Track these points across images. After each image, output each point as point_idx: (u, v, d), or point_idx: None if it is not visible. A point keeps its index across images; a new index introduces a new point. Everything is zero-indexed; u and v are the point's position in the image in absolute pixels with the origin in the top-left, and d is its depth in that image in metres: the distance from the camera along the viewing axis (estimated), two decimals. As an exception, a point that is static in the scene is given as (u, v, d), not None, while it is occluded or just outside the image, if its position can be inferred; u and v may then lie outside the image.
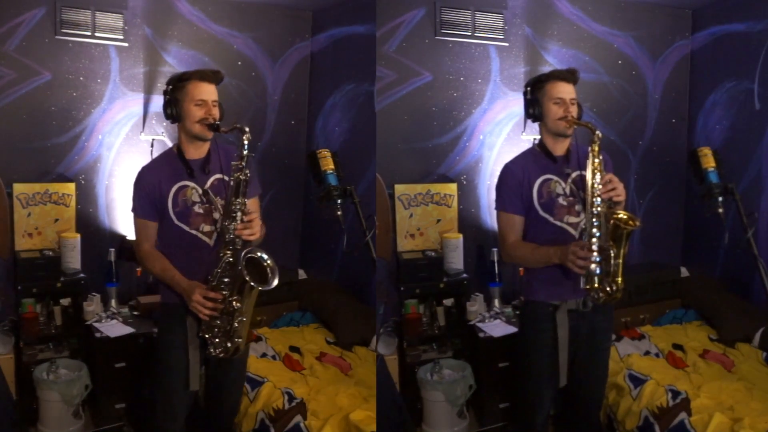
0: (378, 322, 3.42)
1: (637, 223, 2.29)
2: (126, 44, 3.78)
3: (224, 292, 2.26)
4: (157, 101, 3.84)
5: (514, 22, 3.89)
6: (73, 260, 3.50)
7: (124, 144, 3.82)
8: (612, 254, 2.30)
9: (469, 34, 3.80)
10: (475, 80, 3.85)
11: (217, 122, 2.36)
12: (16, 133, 3.53)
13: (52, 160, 3.64)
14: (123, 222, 3.78)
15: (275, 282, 2.25)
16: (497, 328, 3.38)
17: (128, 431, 3.22)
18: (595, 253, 2.26)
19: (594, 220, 2.30)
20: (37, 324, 3.32)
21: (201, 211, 2.38)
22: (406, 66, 3.70)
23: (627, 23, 4.14)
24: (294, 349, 3.52)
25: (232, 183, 2.29)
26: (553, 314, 2.44)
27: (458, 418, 3.24)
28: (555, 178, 2.46)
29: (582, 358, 2.49)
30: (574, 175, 2.47)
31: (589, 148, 2.36)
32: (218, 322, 2.28)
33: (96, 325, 3.31)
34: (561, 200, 2.44)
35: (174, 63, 3.88)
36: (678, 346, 3.48)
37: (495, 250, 3.65)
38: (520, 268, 3.18)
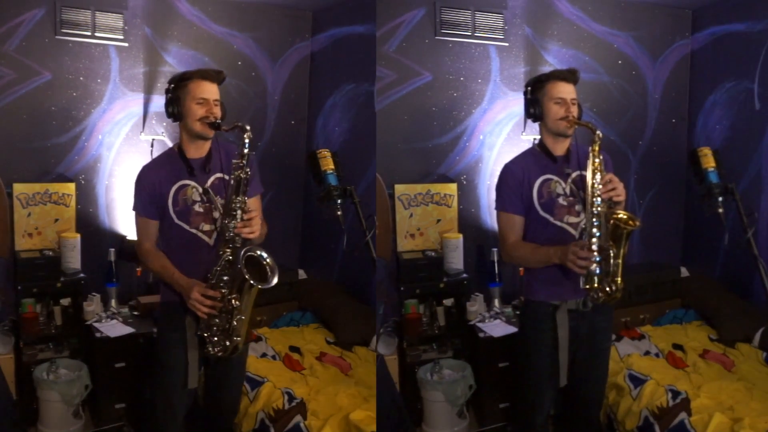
0: (378, 322, 3.42)
1: (637, 223, 2.30)
2: (126, 44, 3.78)
3: (223, 291, 2.26)
4: (157, 101, 3.84)
5: (514, 22, 3.89)
6: (73, 260, 3.50)
7: (124, 144, 3.82)
8: (612, 254, 2.30)
9: (469, 34, 3.80)
10: (475, 80, 3.85)
11: (219, 121, 2.36)
12: (16, 133, 3.54)
13: (52, 160, 3.64)
14: (123, 222, 3.78)
15: (275, 280, 2.25)
16: (497, 328, 3.39)
17: (128, 431, 3.22)
18: (595, 253, 2.27)
19: (594, 220, 2.30)
20: (37, 324, 3.32)
21: (201, 210, 2.38)
22: (406, 66, 3.70)
23: (627, 23, 4.14)
24: (294, 349, 3.52)
25: (232, 181, 2.29)
26: (553, 314, 2.44)
27: (458, 418, 3.24)
28: (555, 178, 2.46)
29: (582, 358, 2.49)
30: (574, 175, 2.47)
31: (590, 148, 2.36)
32: (217, 320, 2.28)
33: (96, 325, 3.31)
34: (561, 200, 2.44)
35: (174, 63, 3.88)
36: (678, 346, 3.48)
37: (495, 250, 3.65)
38: (520, 268, 3.18)
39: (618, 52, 4.15)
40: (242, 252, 2.21)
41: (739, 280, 3.84)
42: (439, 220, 3.75)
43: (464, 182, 3.86)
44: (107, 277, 3.55)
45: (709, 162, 2.98)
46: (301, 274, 4.09)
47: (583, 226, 2.39)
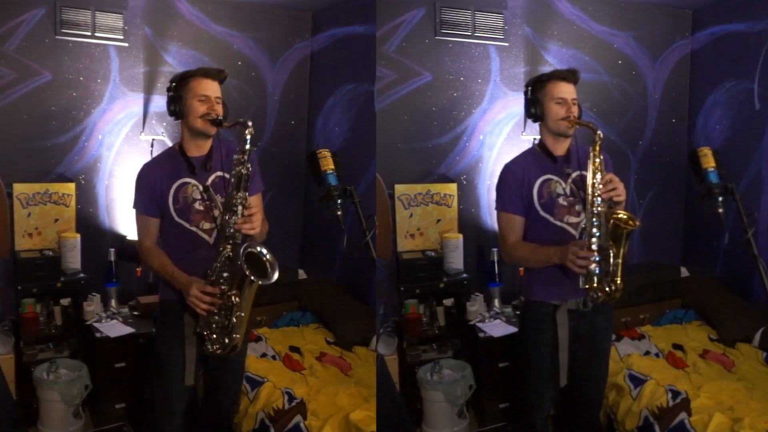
0: (378, 322, 3.42)
1: (637, 223, 2.30)
2: (126, 44, 3.78)
3: (223, 287, 2.25)
4: (157, 101, 3.84)
5: (514, 22, 3.89)
6: (73, 260, 3.50)
7: (124, 144, 3.82)
8: (612, 254, 2.30)
9: (469, 34, 3.80)
10: (475, 80, 3.85)
11: (220, 117, 2.36)
12: (16, 133, 3.54)
13: (52, 160, 3.64)
14: (123, 222, 3.78)
15: (275, 276, 2.24)
16: (497, 328, 3.39)
17: (128, 431, 3.22)
18: (594, 253, 2.27)
19: (594, 219, 2.30)
20: (37, 324, 3.32)
21: (201, 208, 2.38)
22: (406, 66, 3.70)
23: (627, 23, 4.14)
24: (294, 349, 3.52)
25: (233, 177, 2.29)
26: (553, 314, 2.44)
27: (458, 418, 3.24)
28: (555, 178, 2.46)
29: (582, 358, 2.49)
30: (574, 175, 2.47)
31: (590, 148, 2.36)
32: (216, 318, 2.27)
33: (96, 325, 3.31)
34: (561, 200, 2.44)
35: (174, 63, 3.88)
36: (678, 346, 3.48)
37: (495, 250, 3.65)
38: (520, 268, 3.18)
39: (618, 52, 4.15)
40: (242, 248, 2.21)
41: (739, 280, 3.84)
42: (439, 220, 3.75)
43: (464, 182, 3.86)
44: (107, 277, 3.55)
45: (709, 162, 2.97)
46: (301, 274, 4.09)
47: (584, 226, 2.39)
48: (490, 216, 3.88)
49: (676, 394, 2.92)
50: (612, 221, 2.31)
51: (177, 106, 2.40)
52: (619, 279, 2.33)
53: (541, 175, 2.46)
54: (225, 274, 2.26)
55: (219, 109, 2.38)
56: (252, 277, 2.20)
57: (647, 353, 3.42)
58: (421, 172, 3.78)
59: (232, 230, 2.27)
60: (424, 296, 3.51)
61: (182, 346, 2.37)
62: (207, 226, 2.38)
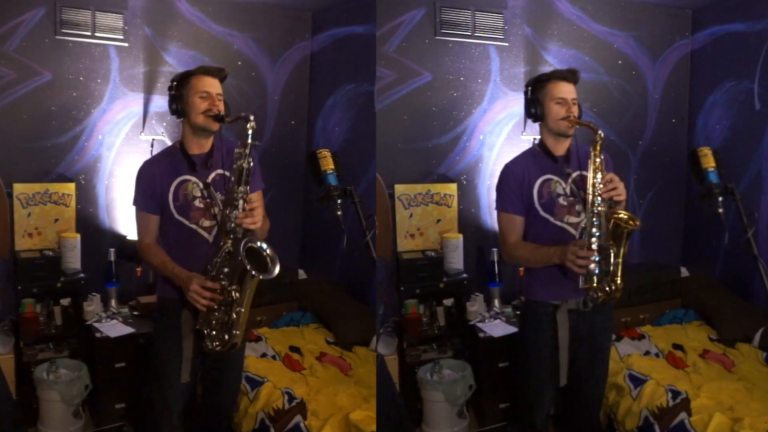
0: (378, 322, 3.42)
1: (638, 223, 2.30)
2: (126, 44, 3.78)
3: (223, 282, 2.25)
4: (157, 101, 3.84)
5: (514, 22, 3.89)
6: (73, 260, 3.50)
7: (124, 144, 3.82)
8: (612, 254, 2.30)
9: (469, 34, 3.80)
10: (475, 80, 3.85)
11: (222, 113, 2.36)
12: (16, 133, 3.54)
13: (52, 160, 3.64)
14: (123, 222, 3.78)
15: (276, 270, 2.23)
16: (497, 328, 3.39)
17: (128, 431, 3.22)
18: (594, 253, 2.27)
19: (594, 219, 2.30)
20: (37, 324, 3.32)
21: (201, 205, 2.38)
22: (406, 66, 3.70)
23: (627, 23, 4.14)
24: (294, 349, 3.52)
25: (234, 170, 2.28)
26: (553, 314, 2.44)
27: (458, 418, 3.24)
28: (555, 178, 2.46)
29: (582, 357, 2.49)
30: (574, 175, 2.47)
31: (591, 148, 2.36)
32: (216, 313, 2.27)
33: (96, 325, 3.31)
34: (561, 200, 2.44)
35: (174, 63, 3.88)
36: (678, 346, 3.48)
37: (495, 250, 3.65)
38: (520, 268, 3.18)
39: (618, 52, 4.15)
40: (243, 243, 2.20)
41: (739, 280, 3.84)
42: (439, 220, 3.75)
43: (464, 182, 3.86)
44: (107, 277, 3.55)
45: (709, 162, 2.97)
46: (301, 274, 4.09)
47: (584, 226, 2.39)
48: (490, 216, 3.88)
49: (676, 394, 2.92)
50: (612, 221, 2.31)
51: (179, 105, 2.40)
52: (619, 279, 2.32)
53: (542, 175, 2.46)
54: (225, 270, 2.25)
55: (221, 106, 2.38)
56: (253, 272, 2.19)
57: (647, 353, 3.42)
58: (421, 172, 3.78)
59: (233, 225, 2.26)
60: (424, 296, 3.51)
61: (180, 345, 2.37)
62: (207, 223, 2.38)
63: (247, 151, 2.27)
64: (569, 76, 2.49)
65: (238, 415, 3.04)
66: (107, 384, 3.20)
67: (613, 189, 2.32)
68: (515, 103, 3.86)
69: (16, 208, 3.46)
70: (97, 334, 3.23)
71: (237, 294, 2.24)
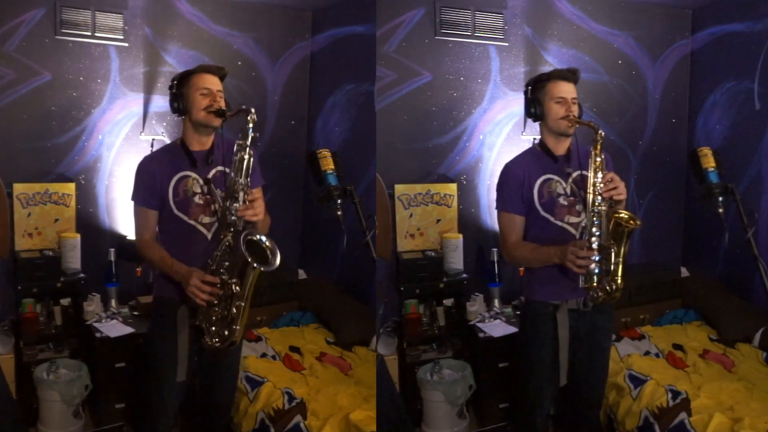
0: (378, 322, 3.42)
1: (638, 222, 2.30)
2: (126, 44, 3.78)
3: (223, 277, 2.24)
4: (157, 101, 3.84)
5: (514, 22, 3.89)
6: (73, 260, 3.50)
7: (124, 144, 3.82)
8: (612, 253, 2.30)
9: (469, 34, 3.80)
10: (475, 80, 3.85)
11: (223, 108, 2.37)
12: (16, 133, 3.53)
13: (52, 160, 3.64)
14: (123, 222, 3.78)
15: (277, 261, 2.22)
16: (497, 328, 3.39)
17: (128, 431, 3.22)
18: (594, 253, 2.27)
19: (594, 218, 2.30)
20: (37, 324, 3.32)
21: (201, 202, 2.38)
22: (406, 66, 3.70)
23: (627, 23, 4.14)
24: (294, 349, 3.52)
25: (234, 162, 2.27)
26: (553, 314, 2.44)
27: (458, 418, 3.24)
28: (556, 177, 2.46)
29: (582, 357, 2.49)
30: (574, 174, 2.47)
31: (591, 147, 2.36)
32: (216, 308, 2.26)
33: (96, 325, 3.31)
34: (562, 200, 2.44)
35: (174, 63, 3.88)
36: (678, 346, 3.48)
37: (495, 250, 3.65)
38: (520, 268, 3.18)
39: (618, 52, 4.15)
40: (242, 236, 2.19)
41: (739, 280, 3.84)
42: (439, 220, 3.75)
43: (464, 182, 3.86)
44: (107, 277, 3.55)
45: (709, 162, 2.97)
46: (301, 274, 4.09)
47: (584, 225, 2.39)
48: (490, 216, 3.88)
49: (676, 394, 2.92)
50: (613, 220, 2.31)
51: (180, 103, 2.41)
52: (619, 278, 2.32)
53: (542, 174, 2.46)
54: (225, 264, 2.25)
55: (222, 102, 2.39)
56: (254, 264, 2.18)
57: (647, 353, 3.42)
58: (421, 172, 3.78)
59: (234, 217, 2.26)
60: (424, 296, 3.51)
61: (176, 343, 2.37)
62: (206, 220, 2.38)
63: (248, 142, 2.27)
64: (569, 75, 2.49)
65: (238, 415, 3.04)
66: (107, 384, 3.20)
67: (614, 188, 2.32)
68: (515, 103, 3.86)
69: (16, 208, 3.46)
70: (97, 334, 3.23)
71: (237, 288, 2.23)
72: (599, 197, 2.32)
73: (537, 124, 2.57)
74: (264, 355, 3.43)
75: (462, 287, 3.57)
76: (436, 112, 3.79)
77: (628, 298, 3.64)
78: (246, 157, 2.27)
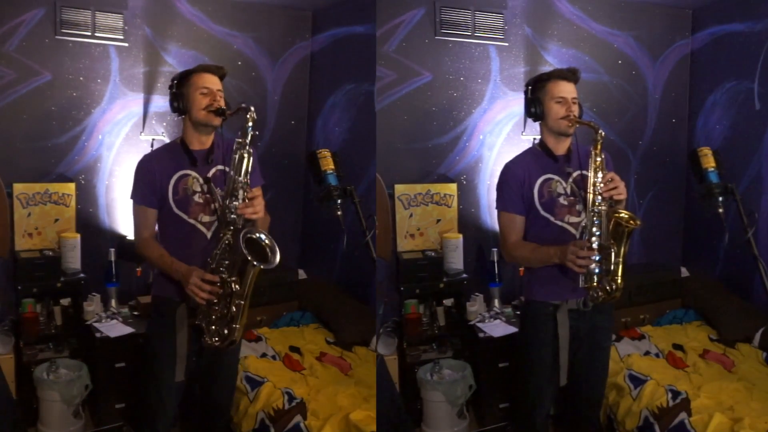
0: (378, 322, 3.42)
1: (638, 222, 2.30)
2: (126, 44, 3.78)
3: (223, 275, 2.24)
4: (157, 101, 3.84)
5: (514, 22, 3.89)
6: (73, 260, 3.50)
7: (124, 144, 3.82)
8: (612, 253, 2.30)
9: (469, 34, 3.80)
10: (475, 80, 3.85)
11: (223, 107, 2.37)
12: (16, 133, 3.53)
13: (52, 160, 3.64)
14: (123, 222, 3.77)
15: (276, 259, 2.22)
16: (497, 328, 3.38)
17: (128, 431, 3.22)
18: (594, 252, 2.27)
19: (595, 218, 2.30)
20: (37, 324, 3.32)
21: (201, 200, 2.38)
22: (406, 66, 3.70)
23: (627, 23, 4.14)
24: (294, 349, 3.52)
25: (234, 159, 2.28)
26: (553, 314, 2.44)
27: (458, 418, 3.24)
28: (556, 177, 2.46)
29: (582, 357, 2.49)
30: (575, 174, 2.47)
31: (591, 147, 2.36)
32: (216, 307, 2.26)
33: (96, 325, 3.31)
34: (562, 200, 2.44)
35: (174, 63, 3.88)
36: (678, 346, 3.48)
37: (495, 250, 3.65)
38: (520, 268, 3.18)
39: (618, 52, 4.15)
40: (242, 234, 2.19)
41: (739, 280, 3.84)
42: (439, 220, 3.75)
43: (464, 182, 3.86)
44: (107, 277, 3.55)
45: (709, 162, 2.97)
46: (301, 274, 4.09)
47: (584, 225, 2.39)
48: (490, 216, 3.88)
49: (676, 394, 2.92)
50: (613, 220, 2.31)
51: (180, 102, 2.41)
52: (619, 278, 2.33)
53: (542, 174, 2.46)
54: (225, 262, 2.25)
55: (221, 102, 2.40)
56: (254, 262, 2.18)
57: (647, 353, 3.42)
58: (421, 172, 3.78)
59: (233, 216, 2.26)
60: (424, 296, 3.51)
61: (174, 343, 2.37)
62: (206, 219, 2.38)
63: (248, 141, 2.27)
64: (569, 75, 2.49)
65: (237, 415, 3.04)
66: (107, 384, 3.20)
67: (614, 188, 2.32)
68: (515, 103, 3.86)
69: (16, 208, 3.46)
70: (97, 334, 3.23)
71: (237, 286, 2.23)
72: (599, 197, 2.32)
73: (537, 124, 2.57)
74: (264, 355, 3.43)
75: (462, 287, 3.57)
76: (436, 112, 3.79)
77: (628, 298, 3.64)
78: (245, 155, 2.27)
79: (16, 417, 3.02)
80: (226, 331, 2.26)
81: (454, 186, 3.80)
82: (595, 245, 2.28)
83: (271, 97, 4.26)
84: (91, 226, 3.72)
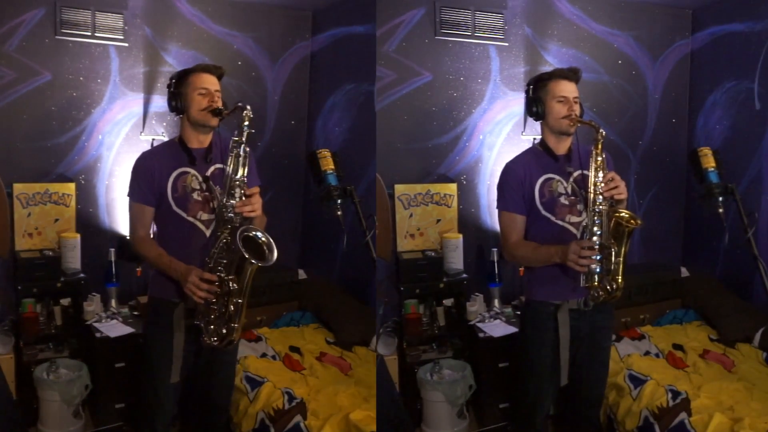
0: (378, 322, 3.42)
1: (639, 222, 2.30)
2: (126, 44, 3.78)
3: (221, 274, 2.24)
4: (157, 101, 3.84)
5: (514, 22, 3.89)
6: (73, 260, 3.50)
7: (124, 144, 3.82)
8: (613, 252, 2.30)
9: (469, 34, 3.80)
10: (475, 80, 3.85)
11: (221, 108, 2.37)
12: (16, 133, 3.54)
13: (52, 160, 3.64)
14: (123, 222, 3.77)
15: (274, 257, 2.22)
16: (497, 328, 3.39)
17: (128, 431, 3.22)
18: (596, 252, 2.27)
19: (595, 218, 2.30)
20: (37, 324, 3.32)
21: (200, 198, 2.38)
22: (406, 66, 3.70)
23: (627, 23, 4.14)
24: (294, 349, 3.52)
25: (231, 158, 2.28)
26: (554, 314, 2.44)
27: (458, 418, 3.24)
28: (557, 177, 2.46)
29: (582, 357, 2.49)
30: (575, 174, 2.46)
31: (592, 147, 2.36)
32: (214, 307, 2.26)
33: (96, 325, 3.31)
34: (563, 200, 2.44)
35: (174, 63, 3.88)
36: (678, 346, 3.48)
37: (495, 250, 3.65)
38: (520, 268, 3.18)
39: (618, 52, 4.15)
40: (239, 232, 2.20)
41: (739, 280, 3.84)
42: (439, 220, 3.75)
43: (464, 182, 3.86)
44: (107, 277, 3.55)
45: (709, 162, 2.97)
46: (301, 274, 4.08)
47: (585, 225, 2.39)
48: (490, 216, 3.88)
49: (676, 394, 2.92)
50: (614, 219, 2.31)
51: (178, 102, 2.41)
52: (620, 278, 2.33)
53: (543, 174, 2.46)
54: (223, 261, 2.25)
55: (219, 102, 2.40)
56: (252, 260, 2.18)
57: (647, 353, 3.42)
58: (421, 172, 3.78)
59: (231, 214, 2.26)
60: (424, 296, 3.51)
61: (171, 344, 2.36)
62: (205, 216, 2.38)
63: (244, 138, 2.28)
64: (571, 74, 2.49)
65: (237, 415, 3.04)
66: (107, 384, 3.20)
67: (615, 188, 2.32)
68: (515, 103, 3.86)
69: (16, 208, 3.46)
70: (97, 334, 3.23)
71: (235, 285, 2.23)
72: (600, 197, 2.32)
73: (537, 124, 2.57)
74: (264, 355, 3.43)
75: (462, 287, 3.57)
76: (436, 112, 3.79)
77: (628, 298, 3.64)
78: (242, 153, 2.28)
79: (16, 417, 3.02)
80: (224, 331, 2.26)
81: (454, 186, 3.80)
82: (596, 245, 2.28)
83: (271, 97, 4.26)
84: (91, 226, 3.72)
